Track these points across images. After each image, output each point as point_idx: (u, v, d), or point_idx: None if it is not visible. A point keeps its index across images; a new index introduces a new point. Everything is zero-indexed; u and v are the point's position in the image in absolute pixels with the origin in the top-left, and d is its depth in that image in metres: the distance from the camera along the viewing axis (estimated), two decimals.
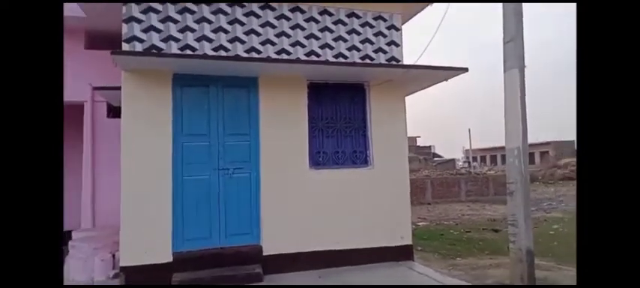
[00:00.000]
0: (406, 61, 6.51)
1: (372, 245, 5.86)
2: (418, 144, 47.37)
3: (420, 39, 7.02)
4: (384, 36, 6.46)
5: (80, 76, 7.18)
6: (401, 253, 5.93)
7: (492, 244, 8.69)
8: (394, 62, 6.43)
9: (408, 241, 6.08)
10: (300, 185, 5.73)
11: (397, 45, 6.52)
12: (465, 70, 5.97)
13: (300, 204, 5.69)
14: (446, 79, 6.28)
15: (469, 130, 45.18)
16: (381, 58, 6.40)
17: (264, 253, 5.45)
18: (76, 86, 7.18)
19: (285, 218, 5.61)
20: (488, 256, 7.57)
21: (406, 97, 6.65)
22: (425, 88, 6.88)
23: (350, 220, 5.85)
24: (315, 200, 5.76)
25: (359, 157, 6.17)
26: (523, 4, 4.80)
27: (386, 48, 6.46)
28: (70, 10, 6.51)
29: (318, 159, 5.99)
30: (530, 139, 5.15)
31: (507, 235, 4.88)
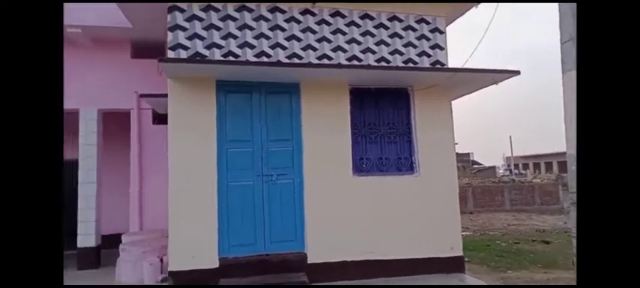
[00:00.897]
0: (451, 65, 6.27)
1: (421, 256, 5.62)
2: (457, 151, 46.01)
3: (465, 42, 6.75)
4: (428, 39, 6.26)
5: (126, 84, 7.43)
6: (451, 265, 5.65)
7: (544, 257, 8.18)
8: (438, 66, 6.20)
9: (459, 252, 5.80)
10: (343, 192, 5.61)
11: (441, 48, 6.30)
12: (517, 73, 5.67)
13: (344, 211, 5.56)
14: (495, 83, 5.98)
15: (510, 137, 43.21)
16: (425, 62, 6.19)
17: (309, 261, 5.35)
18: (122, 94, 7.45)
19: (330, 226, 5.49)
20: (541, 269, 7.11)
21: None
22: (472, 92, 6.59)
23: (396, 229, 5.65)
24: (359, 208, 5.61)
25: (404, 163, 5.97)
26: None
27: (430, 51, 6.25)
28: (116, 22, 6.77)
29: (362, 165, 5.84)
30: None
31: (560, 248, 4.51)
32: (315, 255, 5.39)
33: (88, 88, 7.37)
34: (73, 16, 6.78)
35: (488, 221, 15.84)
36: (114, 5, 6.23)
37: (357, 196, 5.64)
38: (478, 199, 21.01)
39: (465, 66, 5.93)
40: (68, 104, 7.33)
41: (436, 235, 5.74)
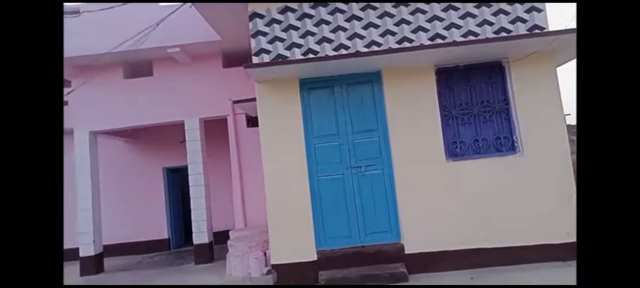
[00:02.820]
0: (552, 28, 5.54)
1: (530, 243, 5.11)
2: (568, 123, 40.92)
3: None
4: (522, 2, 5.61)
5: (222, 93, 8.03)
6: (567, 251, 5.02)
7: None
8: (537, 31, 5.53)
9: (575, 237, 5.13)
10: (437, 179, 5.34)
11: (539, 10, 5.60)
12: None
13: (439, 199, 5.30)
14: None
15: None
16: (521, 29, 5.57)
17: (407, 252, 5.22)
18: (218, 102, 8.07)
19: (425, 215, 5.28)
20: None
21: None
22: None
23: (500, 215, 5.21)
24: (456, 194, 5.30)
25: (504, 143, 5.47)
26: None
27: (525, 16, 5.60)
28: (207, 36, 7.34)
29: (455, 149, 5.50)
30: None
31: None
32: (412, 245, 5.24)
33: (190, 100, 8.13)
34: (171, 36, 7.53)
35: None
36: (205, 22, 6.75)
37: (452, 182, 5.33)
38: None
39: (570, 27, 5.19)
40: (174, 117, 8.21)
41: (547, 219, 5.15)
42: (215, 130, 9.04)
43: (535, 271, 4.84)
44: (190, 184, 8.06)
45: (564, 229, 5.11)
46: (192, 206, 8.02)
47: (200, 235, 7.93)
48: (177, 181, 10.86)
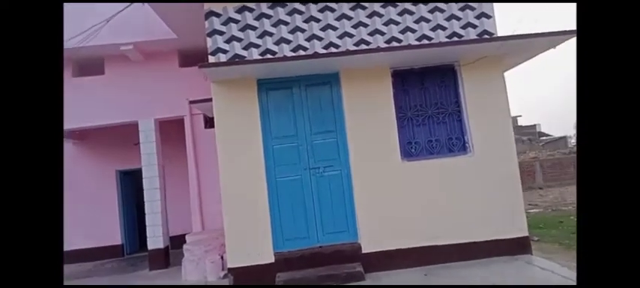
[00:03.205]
0: (501, 33, 5.82)
1: (481, 238, 5.32)
2: (520, 124, 43.13)
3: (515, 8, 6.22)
4: (472, 9, 5.85)
5: (178, 93, 7.81)
6: (516, 246, 5.28)
7: None
8: (486, 36, 5.78)
9: (524, 232, 5.40)
10: (393, 179, 5.45)
11: (488, 16, 5.86)
12: (574, 33, 5.11)
13: (395, 198, 5.41)
14: (553, 47, 5.47)
15: None
16: (471, 34, 5.81)
17: (363, 251, 5.29)
18: (175, 102, 7.86)
19: (382, 214, 5.38)
20: None
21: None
22: (527, 59, 6.08)
23: (452, 213, 5.39)
24: (411, 193, 5.43)
25: (456, 144, 5.67)
26: None
27: (475, 22, 5.85)
28: (163, 33, 7.12)
29: (410, 150, 5.64)
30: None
31: None
32: (369, 244, 5.31)
33: (144, 100, 7.85)
34: (124, 34, 7.24)
35: (560, 196, 14.71)
36: (160, 20, 6.54)
37: (407, 182, 5.46)
38: (548, 172, 19.54)
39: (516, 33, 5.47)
40: (128, 117, 7.89)
41: (497, 216, 5.39)
42: (172, 131, 8.77)
43: (485, 266, 5.04)
44: (145, 187, 7.77)
45: (512, 225, 5.37)
46: (146, 210, 7.73)
47: (155, 240, 7.66)
48: (131, 184, 10.44)
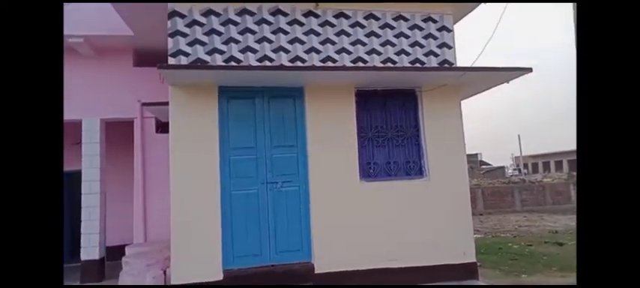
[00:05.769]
0: (460, 64, 6.08)
1: (432, 263, 5.42)
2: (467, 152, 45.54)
3: (474, 40, 6.57)
4: (435, 38, 6.08)
5: (129, 93, 7.33)
6: (464, 271, 5.43)
7: (559, 259, 7.90)
8: (447, 65, 6.02)
9: (472, 258, 5.58)
10: (351, 199, 5.42)
11: (449, 47, 6.11)
12: (529, 70, 5.46)
13: (351, 219, 5.38)
14: (507, 81, 5.79)
15: (519, 137, 42.60)
16: (433, 62, 6.01)
17: (316, 271, 5.17)
18: (125, 103, 7.36)
19: (337, 234, 5.31)
20: (557, 272, 6.85)
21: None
22: (482, 91, 6.39)
23: (406, 236, 5.45)
24: (367, 214, 5.42)
25: (413, 167, 5.78)
26: None
27: (437, 51, 6.07)
28: (118, 29, 6.68)
29: (369, 170, 5.66)
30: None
31: (574, 249, 4.29)
32: (322, 265, 5.21)
33: (91, 97, 7.29)
34: (75, 25, 6.71)
35: (499, 223, 15.52)
36: (116, 14, 6.13)
37: (365, 203, 5.46)
38: (488, 200, 20.68)
39: (475, 65, 5.75)
40: (71, 115, 7.25)
41: (448, 241, 5.53)
42: (120, 133, 8.20)
43: None
44: (83, 191, 7.15)
45: (461, 250, 5.52)
46: (83, 216, 7.10)
47: (90, 250, 7.03)
48: (67, 187, 9.56)
